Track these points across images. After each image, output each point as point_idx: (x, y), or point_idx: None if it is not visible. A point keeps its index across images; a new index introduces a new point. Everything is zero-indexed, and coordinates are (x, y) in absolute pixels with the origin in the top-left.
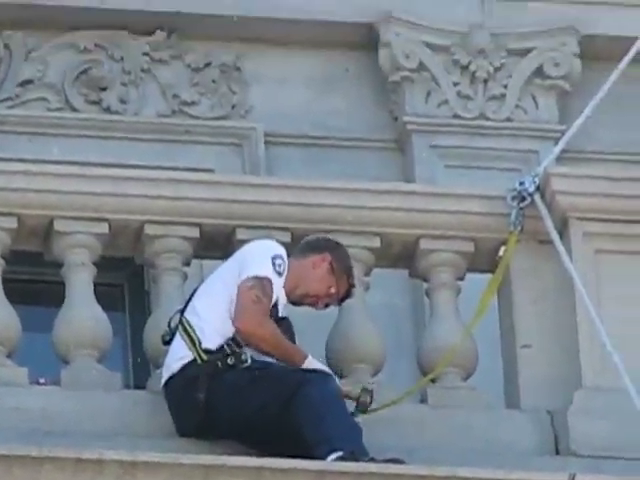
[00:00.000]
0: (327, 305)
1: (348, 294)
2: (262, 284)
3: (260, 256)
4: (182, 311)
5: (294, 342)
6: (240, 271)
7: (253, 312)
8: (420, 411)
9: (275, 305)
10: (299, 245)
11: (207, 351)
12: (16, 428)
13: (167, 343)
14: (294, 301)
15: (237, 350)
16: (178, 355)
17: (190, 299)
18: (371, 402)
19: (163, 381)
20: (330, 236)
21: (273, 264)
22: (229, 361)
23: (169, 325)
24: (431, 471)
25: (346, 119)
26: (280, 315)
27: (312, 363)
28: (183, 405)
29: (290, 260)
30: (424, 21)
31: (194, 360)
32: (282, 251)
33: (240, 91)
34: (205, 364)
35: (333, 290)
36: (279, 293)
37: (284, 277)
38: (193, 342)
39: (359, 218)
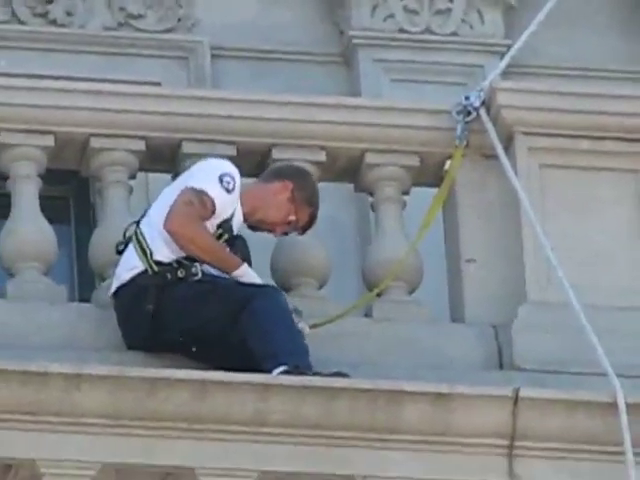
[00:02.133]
0: (286, 233)
1: (309, 224)
2: (199, 195)
3: (207, 172)
4: (138, 222)
5: (249, 261)
6: (183, 184)
7: (181, 213)
8: (365, 325)
9: (228, 221)
10: (266, 170)
11: (158, 263)
12: None
13: (120, 253)
14: (252, 225)
15: (188, 263)
16: (129, 265)
17: (147, 210)
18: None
19: (112, 290)
20: (276, 150)
21: (220, 181)
22: (179, 273)
23: (124, 235)
24: (375, 385)
25: (292, 32)
26: (235, 233)
27: (247, 271)
28: (131, 316)
29: (254, 184)
30: None
31: (145, 271)
32: (233, 170)
33: (186, 4)
34: (155, 275)
35: (292, 218)
36: (231, 210)
37: (235, 195)
38: (145, 253)
39: (304, 132)
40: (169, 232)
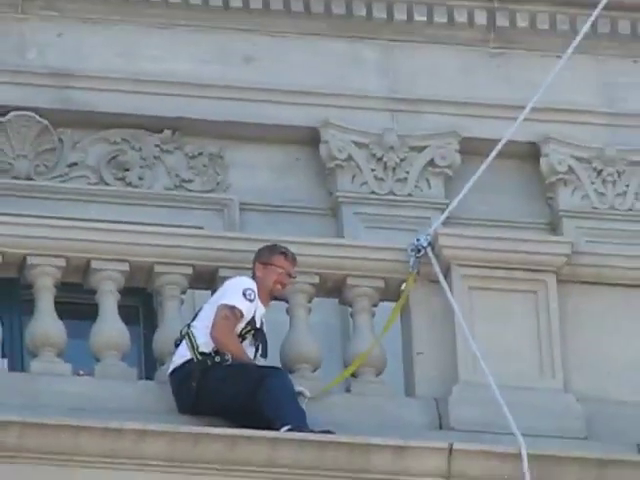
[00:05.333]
0: (290, 276)
1: (289, 260)
2: (232, 310)
3: (234, 290)
4: (189, 324)
5: (266, 346)
6: (220, 299)
7: (221, 326)
8: (346, 398)
9: (253, 319)
10: None
11: (202, 353)
12: (62, 406)
13: (177, 346)
14: (276, 297)
15: (222, 353)
16: (182, 354)
17: (196, 314)
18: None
19: (169, 371)
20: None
21: (244, 295)
22: (216, 359)
23: (180, 333)
24: (351, 439)
25: (297, 193)
26: (258, 326)
27: None
28: (182, 390)
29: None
30: (351, 126)
31: (192, 358)
32: (251, 284)
33: (222, 172)
34: (199, 362)
35: (279, 270)
36: (253, 311)
37: (255, 300)
38: (193, 346)
39: (304, 262)
40: (213, 338)
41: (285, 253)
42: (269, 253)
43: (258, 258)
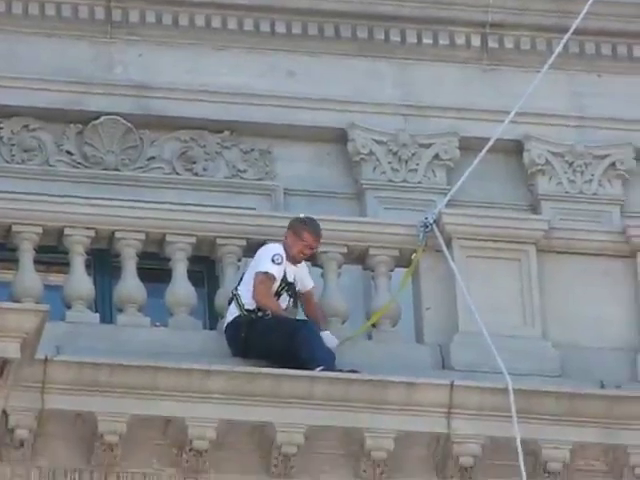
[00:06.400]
0: (312, 249)
1: (314, 233)
2: (266, 275)
3: (265, 258)
4: (237, 286)
5: (295, 297)
6: (256, 265)
7: (259, 289)
8: (368, 344)
9: (285, 277)
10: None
11: (247, 310)
12: (142, 351)
13: (229, 303)
14: (303, 259)
15: (263, 309)
16: (232, 312)
17: (240, 280)
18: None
19: (224, 326)
20: (321, 247)
21: (272, 260)
22: (259, 314)
23: (232, 293)
24: (372, 377)
25: (329, 181)
26: (290, 281)
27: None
28: (233, 339)
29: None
30: (373, 127)
31: (240, 315)
32: (279, 249)
33: (270, 165)
34: (245, 317)
35: (304, 243)
36: (283, 270)
37: (284, 262)
38: (240, 305)
39: (335, 236)
40: (255, 300)
41: (310, 230)
42: (300, 226)
43: (291, 226)
